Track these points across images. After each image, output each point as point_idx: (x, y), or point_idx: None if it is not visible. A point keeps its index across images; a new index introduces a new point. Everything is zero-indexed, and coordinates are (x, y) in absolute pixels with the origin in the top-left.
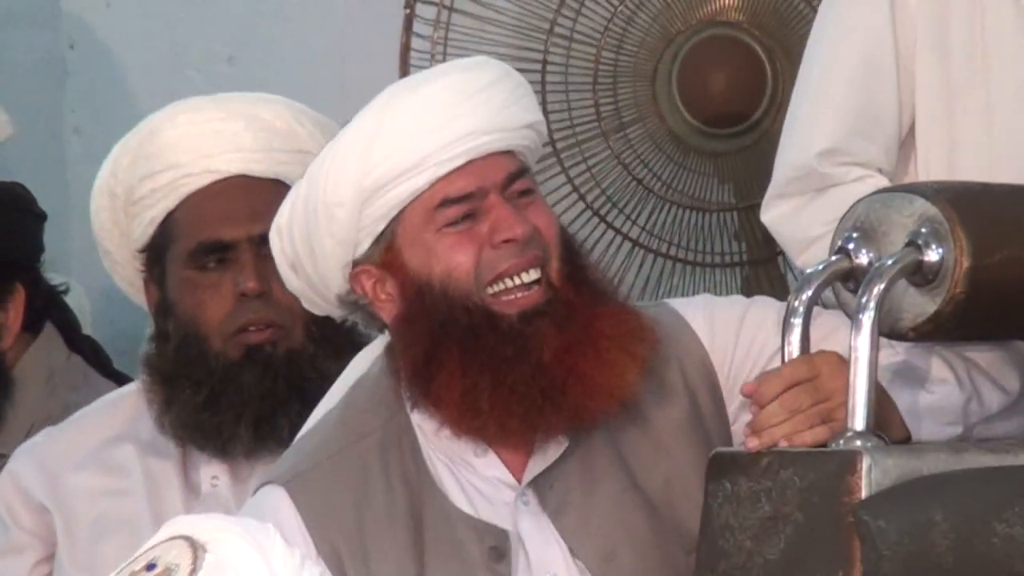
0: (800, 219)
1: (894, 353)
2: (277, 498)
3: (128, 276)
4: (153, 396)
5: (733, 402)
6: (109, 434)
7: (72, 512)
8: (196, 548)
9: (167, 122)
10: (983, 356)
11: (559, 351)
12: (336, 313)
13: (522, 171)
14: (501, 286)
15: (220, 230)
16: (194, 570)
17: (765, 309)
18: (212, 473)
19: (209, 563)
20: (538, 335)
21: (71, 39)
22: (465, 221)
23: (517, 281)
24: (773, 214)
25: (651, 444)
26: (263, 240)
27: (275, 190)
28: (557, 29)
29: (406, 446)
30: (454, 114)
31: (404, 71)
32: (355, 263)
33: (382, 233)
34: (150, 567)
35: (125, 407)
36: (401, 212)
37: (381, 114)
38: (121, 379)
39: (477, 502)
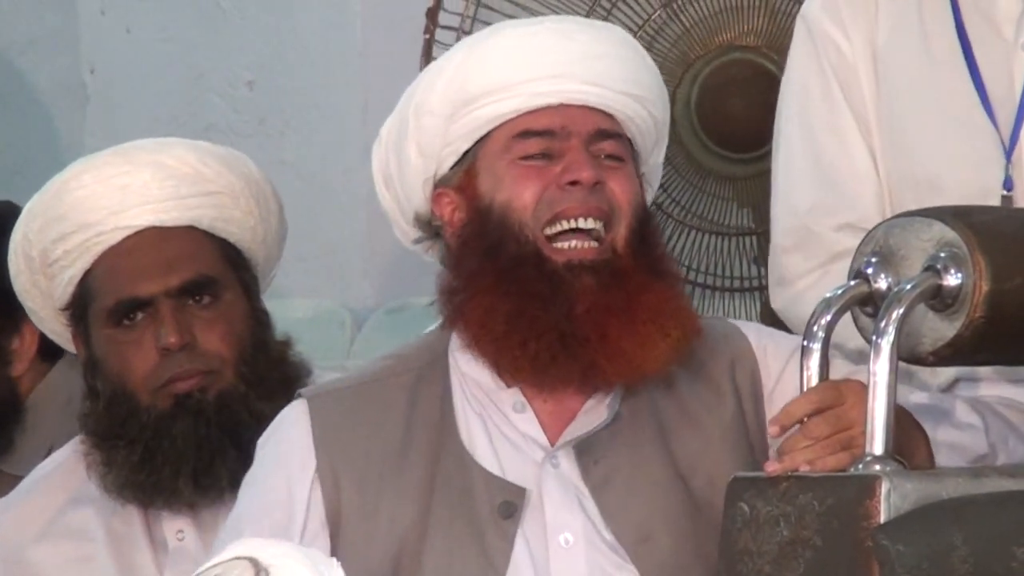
0: (808, 300)
1: (926, 396)
2: (298, 410)
3: (55, 330)
4: (91, 459)
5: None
6: (64, 498)
7: None
8: (259, 570)
9: (72, 181)
10: (1018, 416)
11: (593, 308)
12: (415, 238)
13: (615, 134)
14: (557, 227)
15: (136, 287)
16: None
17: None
18: (176, 527)
19: None
20: (578, 287)
21: (91, 64)
22: (540, 159)
23: (572, 224)
24: (782, 300)
25: (699, 440)
26: (181, 291)
27: (189, 236)
28: None
29: (438, 391)
30: (555, 54)
31: None
32: (437, 184)
33: (465, 155)
34: None
35: (72, 468)
36: (485, 137)
37: (490, 36)
38: None
39: (504, 457)
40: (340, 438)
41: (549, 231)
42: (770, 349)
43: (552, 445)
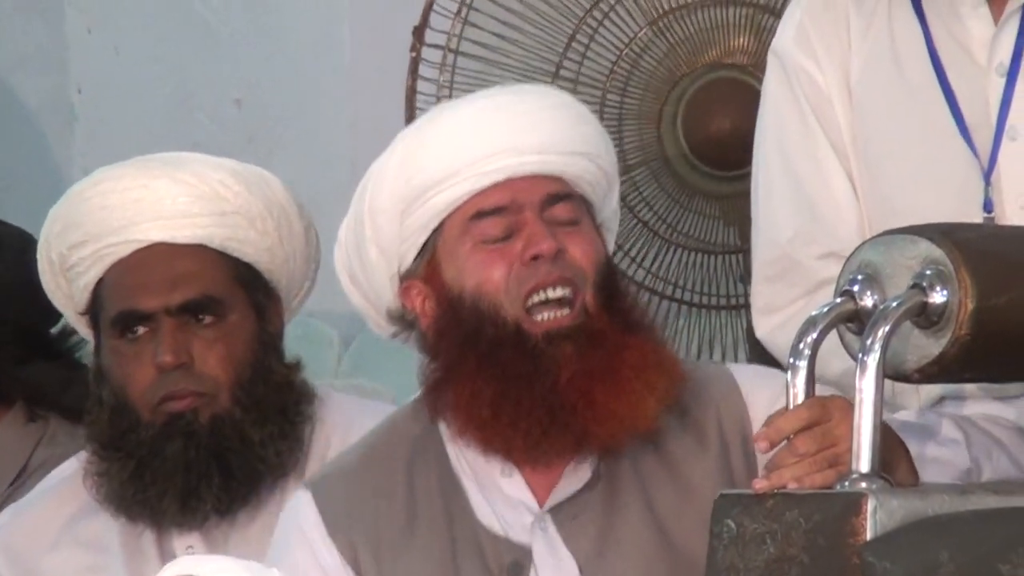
0: (792, 329)
1: (909, 414)
2: (302, 501)
3: (86, 333)
4: (90, 468)
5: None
6: (75, 507)
7: None
8: None
9: (90, 190)
10: (1004, 432)
11: (576, 375)
12: (391, 332)
13: (566, 196)
14: (532, 300)
15: (138, 300)
16: None
17: None
18: (186, 543)
19: None
20: (558, 357)
21: (79, 83)
22: (500, 241)
23: (544, 296)
24: (766, 329)
25: (680, 490)
26: (182, 309)
27: (198, 255)
28: (563, 72)
29: (435, 458)
30: (496, 130)
31: (411, 113)
32: (403, 278)
33: (424, 246)
34: None
35: (83, 477)
36: (441, 224)
37: (425, 126)
38: None
39: (503, 518)
40: (349, 515)
41: (527, 304)
42: (759, 391)
43: (540, 506)
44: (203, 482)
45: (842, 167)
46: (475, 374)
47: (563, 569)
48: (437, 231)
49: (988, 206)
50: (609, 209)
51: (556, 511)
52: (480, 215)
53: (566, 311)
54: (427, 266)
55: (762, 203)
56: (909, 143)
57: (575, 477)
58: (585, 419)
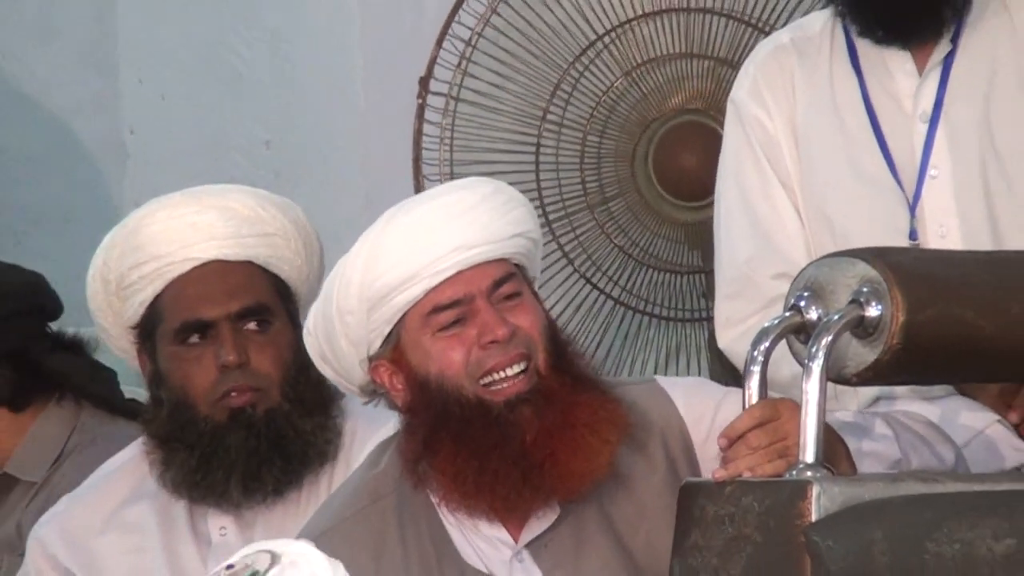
0: (748, 339)
1: (848, 413)
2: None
3: (123, 347)
4: (154, 458)
5: (706, 464)
6: (124, 495)
7: (101, 574)
8: (275, 557)
9: (149, 217)
10: (924, 428)
11: (539, 435)
12: (364, 398)
13: (509, 276)
14: (490, 379)
15: (201, 310)
16: (271, 565)
17: (737, 398)
18: (220, 524)
19: (286, 564)
20: (521, 420)
21: (131, 125)
22: (456, 325)
23: (502, 375)
24: (727, 340)
25: (635, 508)
26: (240, 315)
27: (247, 270)
28: (549, 116)
29: (420, 505)
30: (444, 232)
31: (417, 152)
32: (371, 359)
33: (389, 334)
34: (228, 567)
35: (134, 468)
36: (403, 317)
37: (381, 234)
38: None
39: (484, 557)
40: (353, 570)
41: (483, 382)
42: (696, 403)
43: (516, 542)
44: (264, 466)
45: (790, 201)
46: (453, 455)
47: None
48: (400, 322)
49: (913, 235)
50: (538, 267)
51: (531, 545)
52: (437, 309)
53: (521, 376)
54: (393, 350)
55: (723, 231)
56: (846, 180)
57: (545, 516)
58: (551, 477)
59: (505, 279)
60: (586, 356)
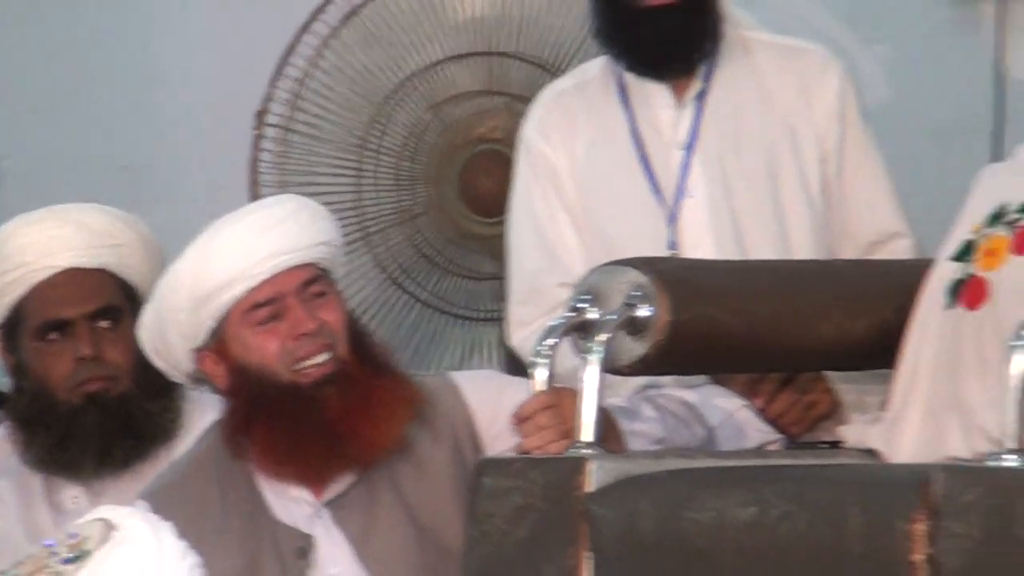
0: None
1: (621, 399)
2: (142, 509)
3: None
4: (16, 439)
5: (494, 447)
6: None
7: None
8: (108, 528)
9: (16, 231)
10: (684, 410)
11: (341, 411)
12: (191, 384)
13: (316, 278)
14: (300, 365)
15: (60, 310)
16: (102, 542)
17: (520, 386)
18: (73, 494)
19: (115, 542)
20: (325, 399)
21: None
22: (272, 320)
23: (311, 362)
24: (517, 340)
25: (421, 475)
26: (94, 315)
27: (100, 276)
28: (368, 144)
29: (238, 472)
30: (260, 241)
31: (254, 176)
32: (197, 350)
33: (214, 329)
34: (71, 536)
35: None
36: (226, 314)
37: (208, 243)
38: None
39: (292, 512)
40: (181, 520)
41: (295, 368)
42: (482, 391)
43: (318, 499)
44: (115, 443)
45: (571, 222)
46: (267, 429)
47: (339, 549)
48: (224, 318)
49: (672, 247)
50: (341, 271)
51: (331, 504)
52: (255, 306)
53: (327, 363)
54: (217, 343)
55: (514, 245)
56: (618, 201)
57: (344, 480)
58: (351, 446)
59: (313, 280)
60: (384, 346)
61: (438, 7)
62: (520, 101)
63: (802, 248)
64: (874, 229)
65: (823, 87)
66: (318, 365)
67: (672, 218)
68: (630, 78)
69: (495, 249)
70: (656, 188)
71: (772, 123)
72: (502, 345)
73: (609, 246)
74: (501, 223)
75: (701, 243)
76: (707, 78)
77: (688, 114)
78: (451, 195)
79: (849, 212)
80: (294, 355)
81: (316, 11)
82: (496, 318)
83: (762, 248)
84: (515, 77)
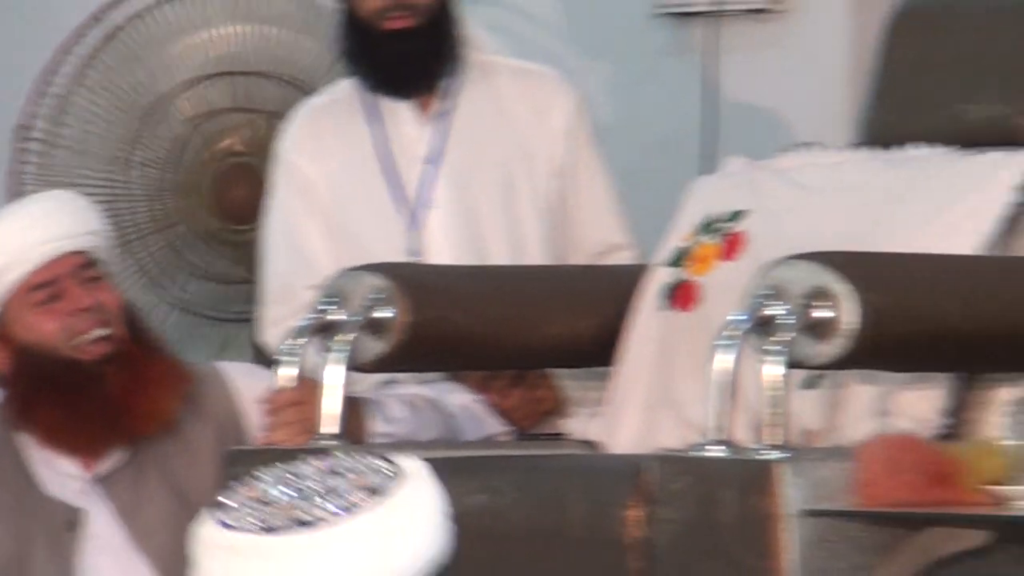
0: (284, 337)
1: (370, 393)
2: None
3: None
4: None
5: (256, 434)
6: None
7: None
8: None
9: None
10: (426, 405)
11: (119, 387)
12: None
13: (90, 263)
14: (79, 340)
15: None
16: None
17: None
18: None
19: None
20: (104, 375)
21: None
22: (51, 301)
23: (89, 336)
24: (268, 336)
25: (190, 458)
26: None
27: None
28: (133, 159)
29: (11, 452)
30: (34, 229)
31: (18, 189)
32: None
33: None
34: None
35: None
36: (8, 299)
37: None
38: None
39: (61, 487)
40: None
41: (74, 343)
42: (246, 380)
43: (89, 473)
44: None
45: (322, 229)
46: (49, 405)
47: (108, 523)
48: (6, 303)
49: (416, 252)
50: (113, 263)
51: (101, 479)
52: (34, 288)
53: (105, 341)
54: (1, 328)
55: (270, 251)
56: (365, 209)
57: (115, 456)
58: (129, 421)
59: (88, 265)
60: (157, 332)
61: (195, 28)
62: (275, 117)
63: (535, 256)
64: (600, 240)
65: (556, 109)
66: (96, 340)
67: (416, 226)
68: (379, 96)
69: (245, 255)
70: (402, 198)
71: (510, 141)
72: (252, 344)
73: (358, 252)
74: (252, 231)
75: (443, 250)
76: (450, 97)
77: (431, 131)
78: (205, 204)
79: (578, 224)
80: (72, 330)
81: (78, 31)
82: (246, 319)
83: (499, 256)
84: (269, 95)
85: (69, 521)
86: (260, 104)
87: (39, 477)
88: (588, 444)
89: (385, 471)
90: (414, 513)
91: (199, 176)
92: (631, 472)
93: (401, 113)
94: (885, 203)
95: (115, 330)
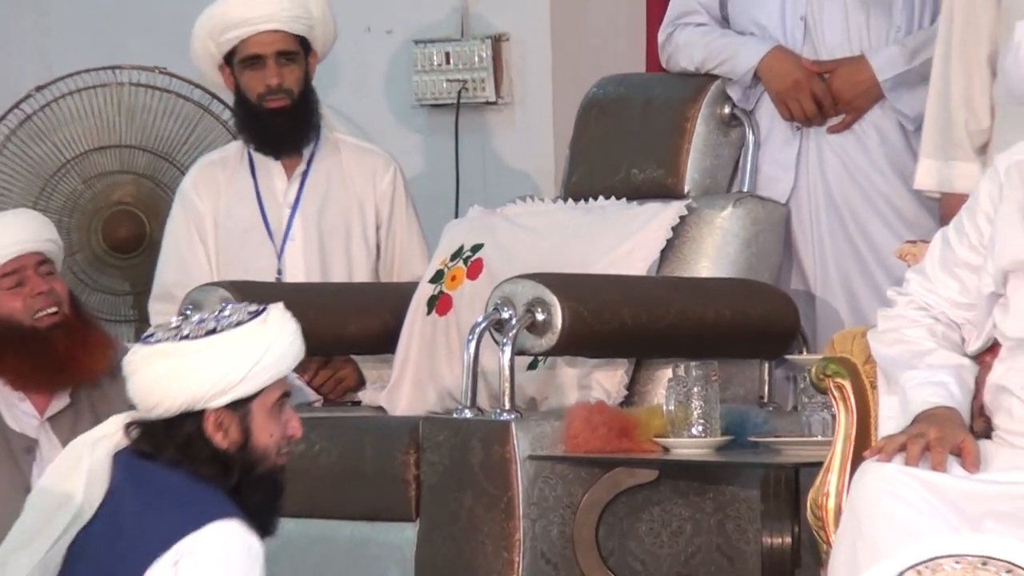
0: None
1: None
2: None
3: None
4: None
5: None
6: None
7: None
8: None
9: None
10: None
11: (66, 347)
12: None
13: (47, 261)
14: (39, 315)
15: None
16: None
17: None
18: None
19: None
20: (55, 338)
21: None
22: (17, 287)
23: (45, 312)
24: (152, 323)
25: (107, 404)
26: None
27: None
28: (38, 206)
29: None
30: (6, 233)
31: None
32: None
33: None
34: None
35: None
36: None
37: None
38: None
39: (21, 424)
40: None
41: (35, 316)
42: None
43: (41, 415)
44: None
45: (205, 251)
46: (13, 360)
47: (56, 451)
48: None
49: (279, 273)
50: (60, 261)
51: (50, 419)
52: (4, 276)
53: (56, 316)
54: None
55: (162, 261)
56: (244, 240)
57: (62, 401)
58: (72, 374)
59: (44, 262)
60: (94, 316)
61: (89, 115)
62: (146, 178)
63: (364, 280)
64: (410, 272)
65: (382, 177)
66: (50, 314)
67: (280, 255)
68: (258, 156)
69: (131, 275)
70: (270, 234)
71: (349, 197)
72: (135, 339)
73: (238, 272)
74: (133, 258)
75: (298, 272)
76: (309, 162)
77: (294, 185)
78: (97, 240)
79: (394, 261)
80: (33, 307)
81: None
82: (132, 320)
83: (338, 277)
84: (140, 162)
85: (27, 448)
86: (134, 169)
87: (5, 416)
88: (378, 409)
89: (260, 308)
90: (282, 327)
91: (91, 219)
92: (408, 428)
93: (273, 169)
94: (582, 239)
95: (63, 309)
